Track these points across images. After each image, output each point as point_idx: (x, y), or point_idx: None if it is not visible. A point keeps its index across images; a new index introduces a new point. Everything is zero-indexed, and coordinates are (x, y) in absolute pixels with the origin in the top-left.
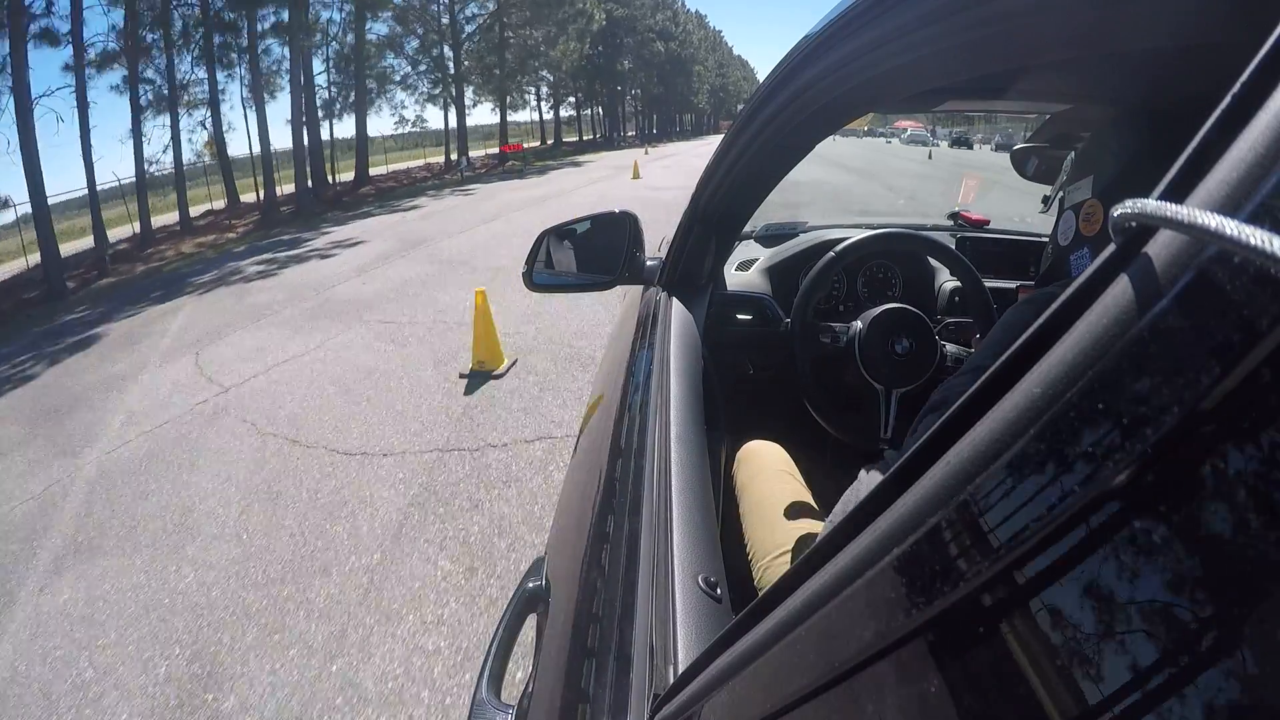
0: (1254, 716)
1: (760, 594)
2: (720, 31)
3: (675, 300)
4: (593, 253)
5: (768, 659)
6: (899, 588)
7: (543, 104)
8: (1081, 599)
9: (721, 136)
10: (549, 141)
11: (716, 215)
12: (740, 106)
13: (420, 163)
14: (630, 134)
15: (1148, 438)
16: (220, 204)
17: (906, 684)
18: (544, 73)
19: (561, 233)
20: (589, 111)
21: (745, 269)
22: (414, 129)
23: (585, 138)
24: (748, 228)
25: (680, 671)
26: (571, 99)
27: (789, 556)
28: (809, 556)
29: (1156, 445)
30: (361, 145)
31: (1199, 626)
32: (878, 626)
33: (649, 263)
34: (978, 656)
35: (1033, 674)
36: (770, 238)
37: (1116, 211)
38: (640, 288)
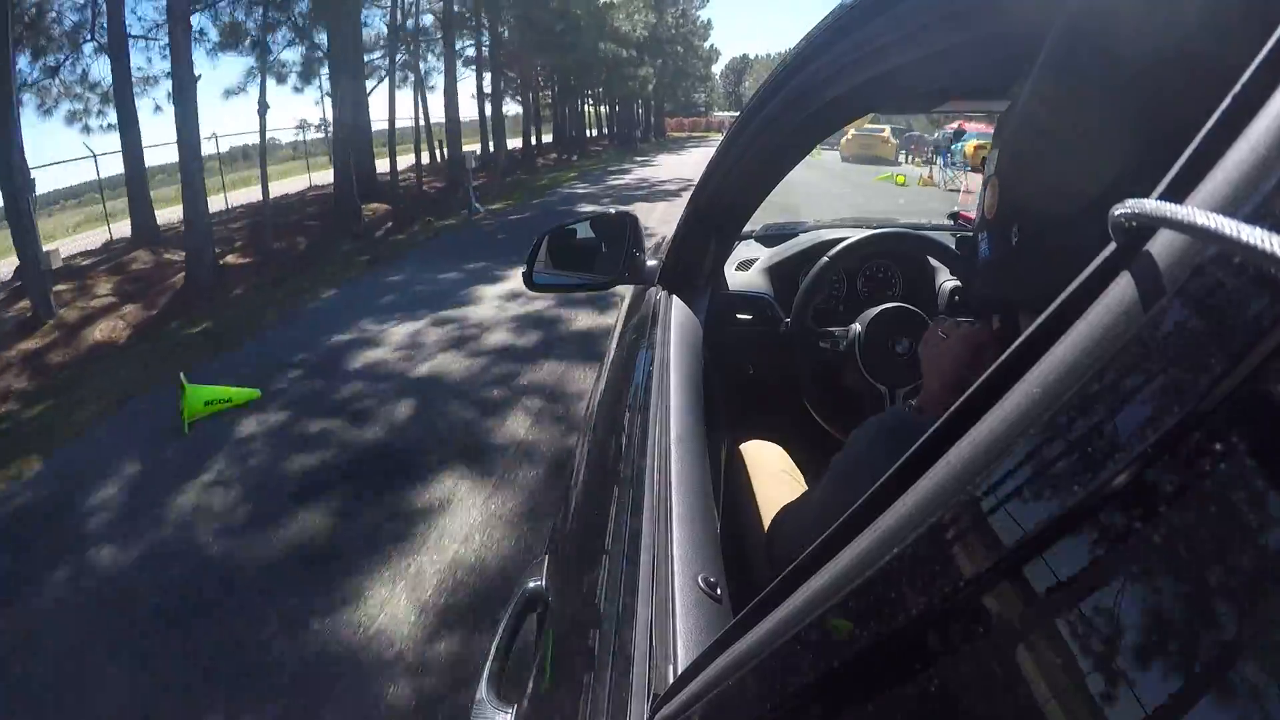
0: (1255, 717)
1: (760, 594)
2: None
3: (675, 300)
4: (593, 252)
5: (768, 659)
6: (899, 588)
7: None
8: (1082, 599)
9: (669, 153)
10: None
11: (716, 215)
12: (698, 94)
13: None
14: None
15: (1148, 438)
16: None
17: (906, 684)
18: None
19: (561, 233)
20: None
21: (745, 269)
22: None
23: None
24: (748, 227)
25: (680, 671)
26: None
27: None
28: (809, 557)
29: (1157, 445)
30: None
31: (1200, 627)
32: (878, 626)
33: (649, 263)
34: (978, 657)
35: (1033, 674)
36: (770, 237)
37: (1116, 211)
38: (640, 288)
